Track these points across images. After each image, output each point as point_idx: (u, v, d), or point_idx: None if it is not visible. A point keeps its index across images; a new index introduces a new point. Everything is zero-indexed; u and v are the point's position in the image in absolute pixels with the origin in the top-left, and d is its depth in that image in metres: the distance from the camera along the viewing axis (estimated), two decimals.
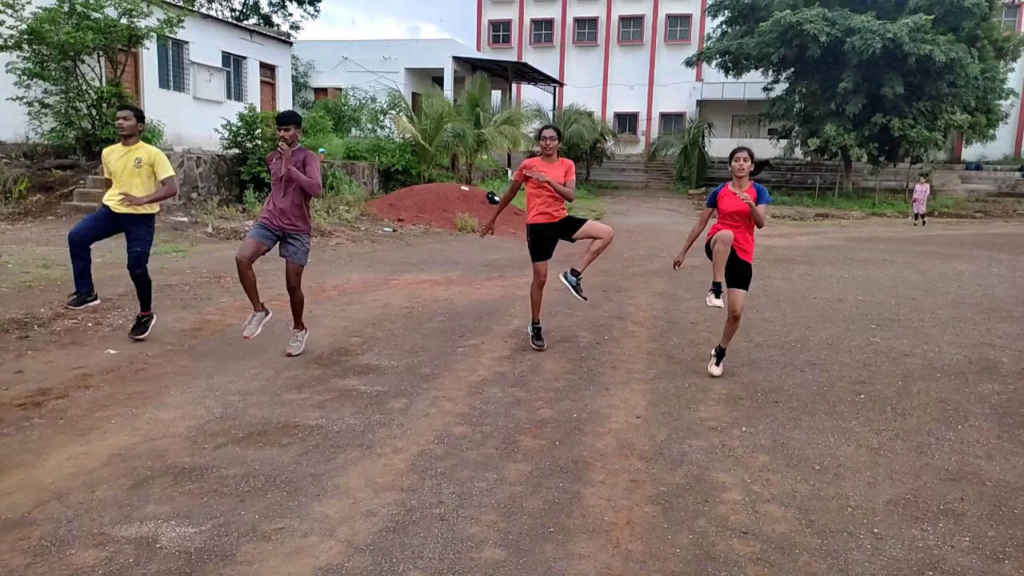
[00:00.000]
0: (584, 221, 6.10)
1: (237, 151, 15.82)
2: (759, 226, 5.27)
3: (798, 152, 30.31)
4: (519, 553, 2.91)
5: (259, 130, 15.60)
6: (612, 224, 19.66)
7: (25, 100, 14.36)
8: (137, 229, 5.81)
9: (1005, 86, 28.08)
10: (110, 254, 9.24)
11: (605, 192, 31.19)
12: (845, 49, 24.63)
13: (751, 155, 5.21)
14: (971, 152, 34.56)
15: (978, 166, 33.51)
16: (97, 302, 6.16)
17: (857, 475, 3.77)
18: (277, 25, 35.93)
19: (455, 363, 5.71)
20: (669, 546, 3.01)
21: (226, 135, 15.78)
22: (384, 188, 20.42)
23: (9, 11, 13.67)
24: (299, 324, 5.90)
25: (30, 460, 3.64)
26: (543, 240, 6.03)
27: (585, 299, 6.33)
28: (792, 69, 28.67)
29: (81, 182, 14.14)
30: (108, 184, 5.90)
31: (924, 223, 22.15)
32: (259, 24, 33.79)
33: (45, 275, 8.47)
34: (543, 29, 41.08)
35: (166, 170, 5.78)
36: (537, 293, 6.15)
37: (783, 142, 30.28)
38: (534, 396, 4.92)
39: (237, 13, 35.55)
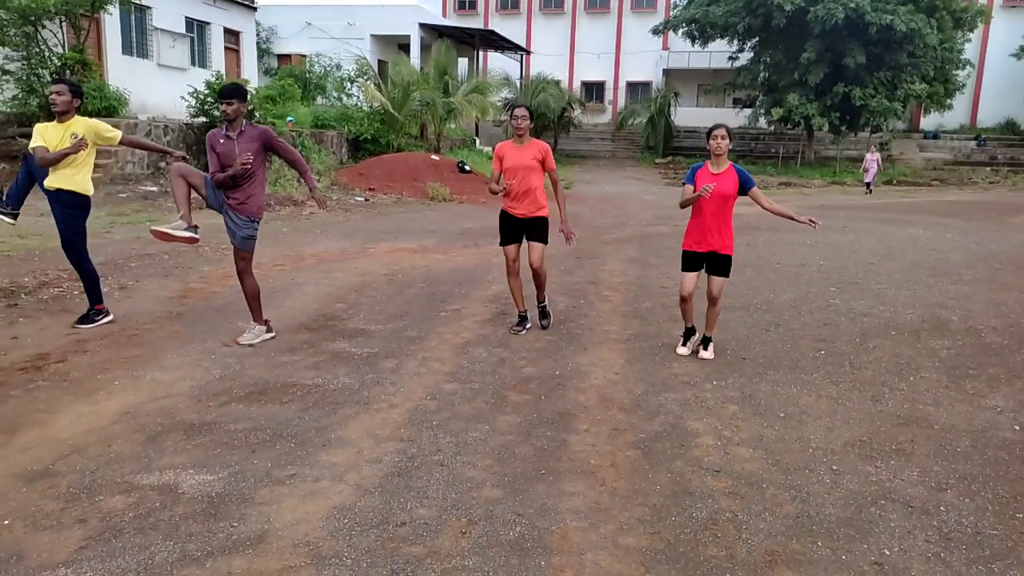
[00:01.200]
0: (537, 240, 5.67)
1: (204, 119, 15.65)
2: (763, 207, 5.09)
3: (762, 122, 30.78)
4: (515, 492, 3.19)
5: (253, 106, 15.46)
6: (580, 193, 20.05)
7: None
8: (56, 207, 5.33)
9: (962, 56, 28.77)
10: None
11: (573, 161, 31.37)
12: (809, 19, 25.02)
13: (729, 132, 5.06)
14: (929, 121, 35.39)
15: (935, 135, 34.37)
16: (14, 220, 5.69)
17: (817, 421, 4.12)
18: None
19: (439, 326, 5.94)
20: (650, 484, 3.31)
21: (193, 103, 15.61)
22: (353, 157, 20.37)
23: None
24: (257, 318, 5.34)
25: (43, 419, 3.81)
26: (513, 228, 5.73)
27: (544, 328, 5.90)
28: (757, 39, 29.03)
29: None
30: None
31: (871, 191, 22.57)
32: None
33: (21, 244, 8.46)
34: None
35: (112, 130, 5.39)
36: (513, 282, 5.79)
37: (748, 111, 30.70)
38: (517, 356, 5.19)
39: None
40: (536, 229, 5.69)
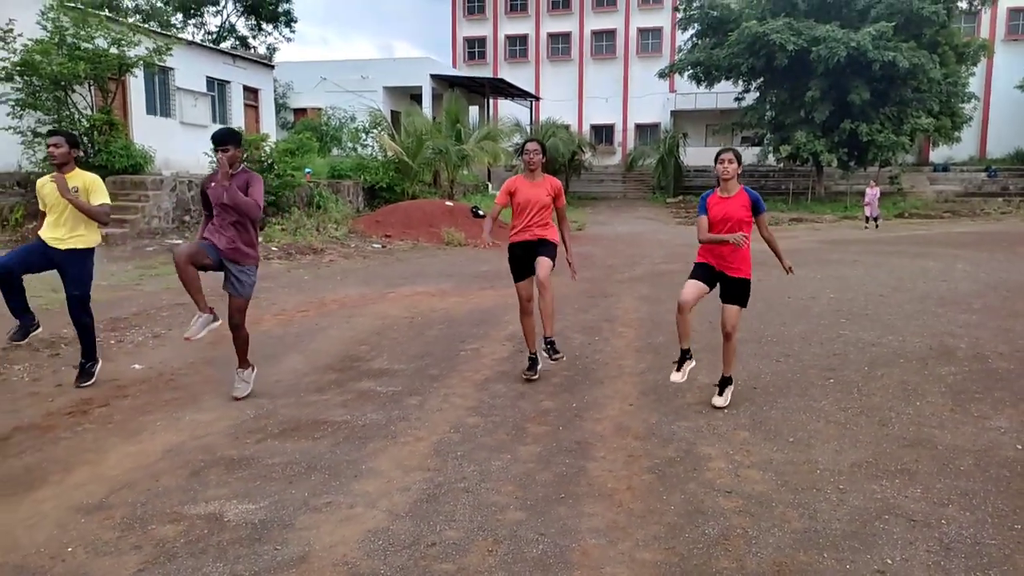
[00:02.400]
0: (545, 255, 5.51)
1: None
2: (762, 234, 4.97)
3: (771, 159, 31.19)
4: (537, 514, 3.39)
5: (247, 152, 16.04)
6: (593, 234, 20.38)
7: (18, 130, 14.68)
8: (73, 268, 5.24)
9: (967, 90, 29.18)
10: (113, 277, 9.62)
11: (584, 203, 31.84)
12: (811, 58, 25.54)
13: (737, 156, 4.84)
14: (939, 154, 35.66)
15: (945, 167, 34.59)
16: (40, 330, 5.52)
17: (825, 444, 4.29)
18: (254, 47, 36.40)
19: (459, 365, 6.18)
20: (664, 504, 3.50)
21: (215, 158, 16.17)
22: (369, 205, 20.89)
23: (0, 44, 14.03)
24: (243, 362, 5.24)
25: (93, 458, 4.06)
26: (523, 258, 5.61)
27: (555, 361, 5.70)
28: (762, 78, 29.61)
29: None
30: (42, 217, 5.34)
31: (877, 226, 22.45)
32: (237, 46, 34.24)
33: (57, 298, 8.78)
34: (517, 45, 41.85)
35: (101, 196, 5.24)
36: (526, 321, 5.69)
37: (756, 149, 31.14)
38: (536, 390, 5.40)
39: (214, 35, 35.97)
40: (544, 248, 5.54)
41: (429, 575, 2.87)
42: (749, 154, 31.93)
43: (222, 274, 5.11)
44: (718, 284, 4.98)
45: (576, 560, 2.98)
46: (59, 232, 5.17)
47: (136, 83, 17.65)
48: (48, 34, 14.35)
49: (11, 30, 14.08)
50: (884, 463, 4.01)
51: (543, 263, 5.48)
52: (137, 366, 6.08)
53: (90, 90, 15.34)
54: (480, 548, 3.08)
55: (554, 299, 5.63)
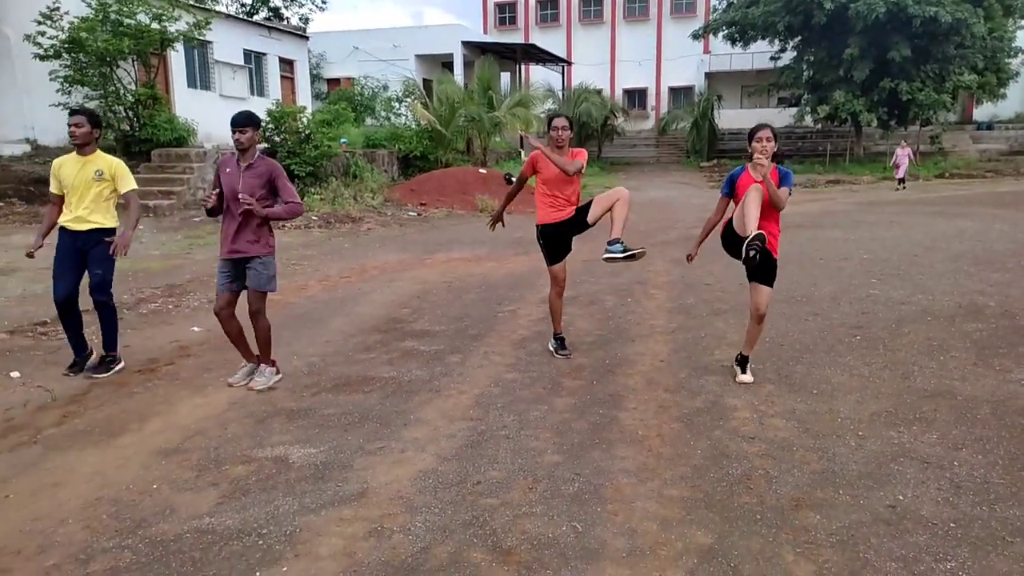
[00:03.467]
0: (590, 202, 5.37)
1: (266, 145, 16.58)
2: (777, 207, 4.56)
3: (808, 120, 30.66)
4: (573, 457, 3.68)
5: (286, 124, 16.40)
6: None
7: (67, 106, 15.17)
8: (97, 249, 5.03)
9: (1014, 44, 28.24)
10: (164, 247, 10.07)
11: (617, 168, 31.73)
12: (850, 15, 24.94)
13: (774, 134, 4.51)
14: (982, 112, 34.68)
15: (989, 126, 33.64)
16: (94, 356, 5.31)
17: (848, 395, 4.50)
18: (287, 18, 36.59)
19: (497, 325, 6.47)
20: (691, 449, 3.76)
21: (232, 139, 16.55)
22: (404, 174, 21.16)
23: (48, 22, 14.47)
24: (267, 359, 4.96)
25: (165, 409, 4.45)
26: (557, 239, 5.37)
27: (643, 251, 5.35)
28: (799, 37, 29.00)
29: None
30: (57, 202, 5.09)
31: (904, 187, 22.09)
32: (270, 18, 34.48)
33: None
34: (549, 8, 41.38)
35: (128, 182, 5.09)
36: (557, 302, 5.51)
37: (793, 110, 30.62)
38: (571, 348, 5.67)
39: (247, 7, 36.23)
40: (581, 210, 5.35)
41: (476, 508, 3.17)
42: (786, 115, 31.46)
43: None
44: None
45: (609, 496, 3.27)
46: (80, 212, 4.96)
47: (177, 57, 18.05)
48: (92, 11, 14.73)
49: (57, 8, 14.49)
50: (903, 412, 4.21)
51: (603, 198, 5.27)
52: (196, 328, 6.48)
53: (134, 65, 15.76)
54: (521, 486, 3.38)
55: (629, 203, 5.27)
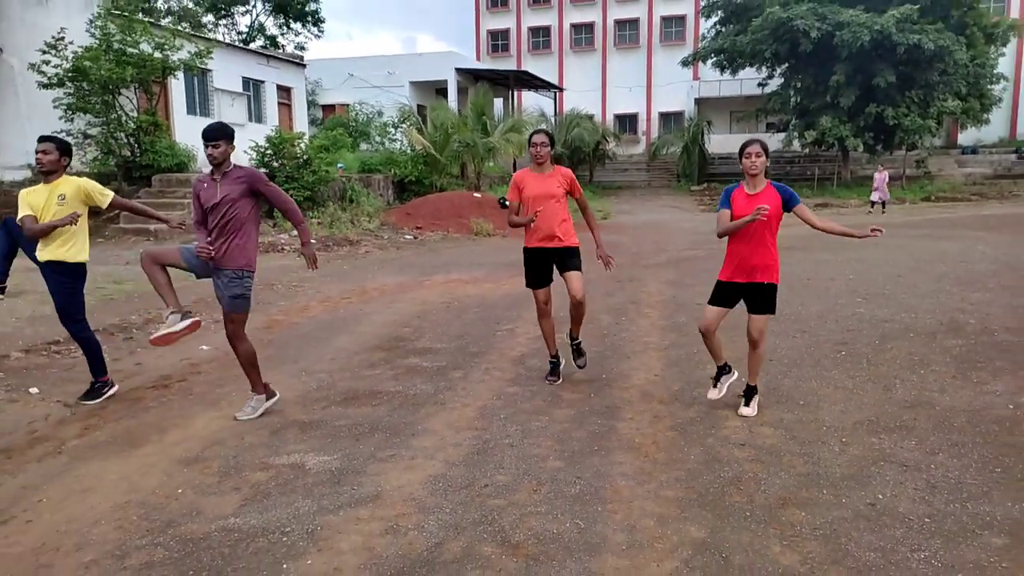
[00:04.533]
0: (574, 268, 5.24)
1: (265, 170, 16.88)
2: (813, 226, 4.55)
3: (796, 145, 31.24)
4: (574, 463, 3.90)
5: (285, 150, 16.71)
6: (618, 223, 20.79)
7: (70, 132, 15.46)
8: (51, 280, 4.94)
9: (996, 71, 28.99)
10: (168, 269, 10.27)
11: (609, 192, 32.17)
12: (835, 43, 25.59)
13: (765, 148, 4.45)
14: (967, 136, 35.40)
15: (974, 150, 34.35)
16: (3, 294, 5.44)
17: (832, 406, 4.74)
18: (283, 46, 37.14)
19: (497, 343, 6.69)
20: (685, 455, 3.99)
21: (254, 156, 16.86)
22: (399, 198, 21.47)
23: (52, 52, 14.79)
24: (257, 387, 4.75)
25: (181, 422, 4.65)
26: (540, 265, 5.28)
27: (581, 367, 5.53)
28: (786, 64, 29.67)
29: None
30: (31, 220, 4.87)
31: (884, 211, 22.34)
32: (267, 46, 35.01)
33: (120, 289, 9.50)
34: (541, 36, 42.17)
35: (104, 195, 4.99)
36: (545, 323, 5.42)
37: (781, 135, 31.21)
38: (569, 364, 5.88)
39: (244, 35, 36.80)
40: (569, 258, 5.21)
41: (484, 508, 3.39)
42: (774, 140, 31.99)
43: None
44: (744, 299, 4.64)
45: (609, 496, 3.49)
46: (44, 243, 4.86)
47: (177, 85, 18.40)
48: (96, 41, 15.08)
49: (62, 38, 14.83)
50: (885, 421, 4.45)
51: (575, 280, 5.18)
52: (204, 347, 6.68)
53: (135, 93, 16.08)
54: (526, 488, 3.60)
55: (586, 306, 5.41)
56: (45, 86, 14.92)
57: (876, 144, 28.59)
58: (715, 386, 4.88)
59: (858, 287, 9.17)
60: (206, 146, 4.47)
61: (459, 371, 5.77)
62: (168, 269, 4.72)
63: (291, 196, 16.09)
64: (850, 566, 2.85)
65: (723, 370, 4.87)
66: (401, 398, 5.09)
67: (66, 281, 4.95)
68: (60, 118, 15.19)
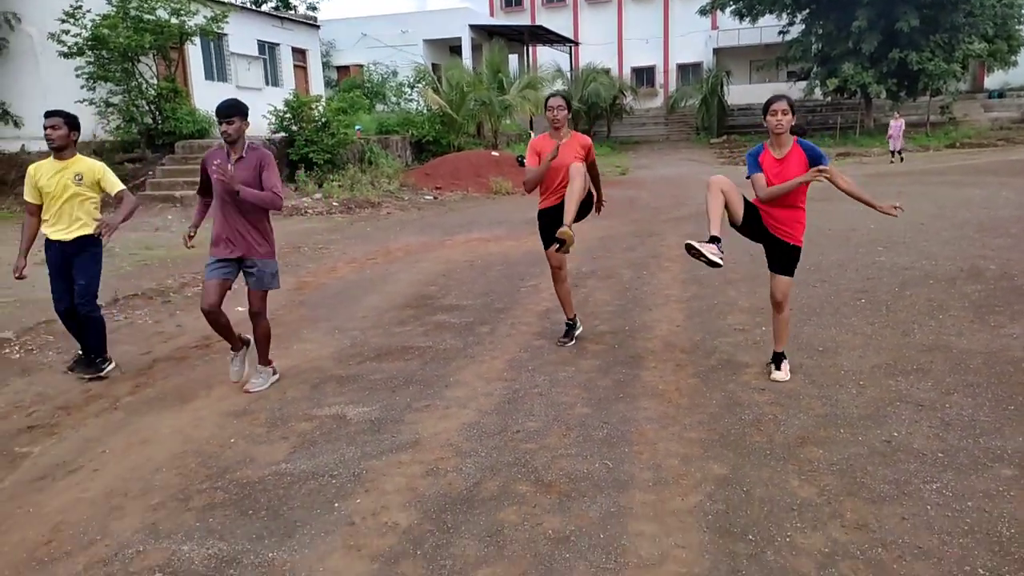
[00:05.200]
0: (583, 216, 5.19)
1: (284, 134, 17.00)
2: (837, 186, 4.33)
3: (818, 93, 30.70)
4: (600, 409, 4.10)
5: (303, 113, 16.79)
6: (637, 178, 20.75)
7: (91, 101, 15.64)
8: (80, 257, 4.87)
9: None
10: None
11: (627, 147, 31.94)
12: None
13: (791, 105, 4.21)
14: (994, 80, 34.50)
15: (1001, 94, 33.53)
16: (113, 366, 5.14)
17: (851, 352, 4.88)
18: (295, 7, 36.85)
19: (521, 299, 6.87)
20: (707, 400, 4.17)
21: (273, 120, 16.96)
22: (417, 159, 21.52)
23: (71, 20, 14.89)
24: (265, 359, 4.76)
25: (225, 379, 4.88)
26: (549, 225, 5.15)
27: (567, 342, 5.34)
28: (807, 10, 29.01)
29: (150, 173, 15.49)
30: (34, 211, 4.90)
31: (902, 159, 22.00)
32: (279, 7, 34.77)
33: (152, 255, 9.78)
34: None
35: (116, 183, 4.90)
36: (560, 287, 5.38)
37: (803, 84, 30.66)
38: (592, 317, 6.06)
39: None
40: (585, 206, 5.17)
41: (517, 452, 3.59)
42: (795, 90, 31.47)
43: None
44: (765, 248, 4.51)
45: (634, 439, 3.68)
46: (62, 223, 4.81)
47: (194, 51, 18.43)
48: (114, 8, 15.14)
49: (80, 6, 14.89)
50: (902, 364, 4.59)
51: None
52: (240, 308, 6.89)
53: (154, 60, 16.17)
54: (556, 433, 3.80)
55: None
56: (65, 55, 15.05)
57: (899, 91, 28.03)
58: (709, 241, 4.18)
59: (879, 236, 9.20)
60: (220, 122, 4.38)
61: (486, 326, 5.96)
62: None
63: (311, 159, 16.22)
64: (864, 497, 3.03)
65: (714, 240, 4.18)
66: (432, 353, 5.30)
67: (98, 253, 4.96)
68: (82, 87, 15.35)
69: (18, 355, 5.65)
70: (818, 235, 9.49)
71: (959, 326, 5.33)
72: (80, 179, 4.77)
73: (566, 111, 5.05)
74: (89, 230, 4.84)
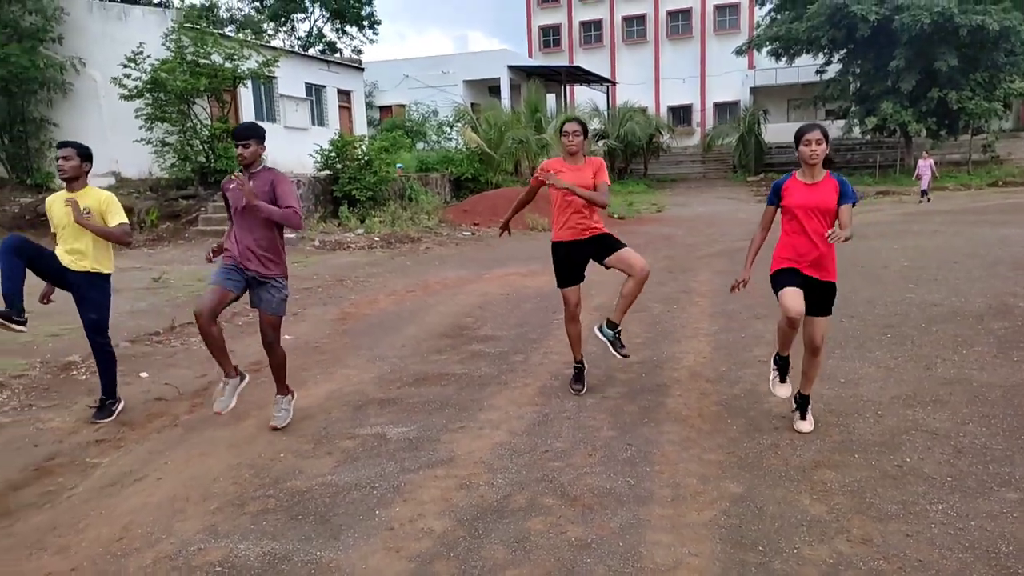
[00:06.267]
0: (622, 246, 4.92)
1: (328, 172, 17.67)
2: (840, 228, 3.89)
3: (856, 132, 30.70)
4: (625, 432, 4.32)
5: (347, 152, 17.47)
6: (673, 216, 20.95)
7: (149, 141, 16.53)
8: (90, 292, 4.81)
9: None
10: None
11: (663, 185, 32.21)
12: (894, 27, 25.11)
13: (825, 135, 3.99)
14: None
15: None
16: (25, 326, 4.63)
17: (872, 383, 5.03)
18: (340, 51, 38.27)
19: (554, 330, 7.13)
20: (728, 426, 4.37)
21: (318, 159, 17.66)
22: (456, 196, 22.08)
23: (132, 64, 15.84)
24: (283, 388, 4.74)
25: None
26: (570, 261, 5.01)
27: (626, 356, 5.10)
28: (844, 50, 29.20)
29: (202, 209, 16.22)
30: (53, 238, 4.89)
31: (929, 200, 21.53)
32: (325, 51, 36.15)
33: (204, 286, 10.27)
34: (592, 30, 42.30)
35: (118, 216, 4.79)
36: (572, 327, 5.14)
37: (841, 122, 30.69)
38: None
39: (303, 41, 38.01)
40: (607, 242, 4.93)
41: (545, 469, 3.84)
42: (834, 128, 31.49)
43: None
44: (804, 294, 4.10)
45: (656, 459, 3.90)
46: (72, 253, 4.76)
47: (246, 93, 19.36)
48: (171, 54, 16.07)
49: (140, 52, 15.86)
50: (921, 396, 4.73)
51: (631, 254, 4.85)
52: (287, 336, 7.26)
53: (208, 102, 17.05)
54: (582, 453, 4.03)
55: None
56: (126, 97, 15.99)
57: (940, 129, 27.93)
58: (782, 378, 4.39)
59: (911, 273, 9.28)
60: (235, 146, 4.41)
61: (520, 355, 6.23)
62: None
63: (354, 196, 16.77)
64: (872, 515, 3.20)
65: (788, 362, 4.35)
66: (467, 379, 5.58)
67: (107, 289, 4.90)
68: (140, 127, 16.25)
69: (84, 376, 6.07)
70: (851, 271, 9.60)
71: (981, 360, 5.44)
72: (88, 213, 4.68)
73: (582, 136, 4.89)
74: (100, 268, 4.80)
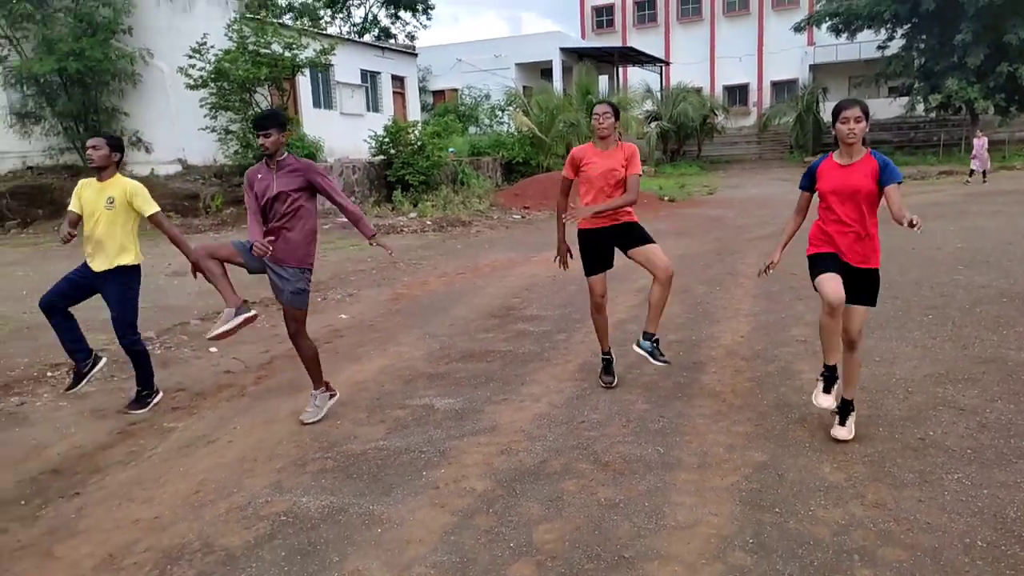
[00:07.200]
0: (649, 241, 4.78)
1: (383, 157, 18.15)
2: (891, 211, 3.69)
3: (920, 109, 29.74)
4: (659, 406, 4.55)
5: (401, 138, 17.90)
6: (725, 197, 20.82)
7: (213, 129, 17.24)
8: (110, 287, 4.76)
9: None
10: None
11: (717, 167, 31.83)
12: (960, 0, 24.21)
13: (865, 112, 3.72)
14: None
15: None
16: (104, 362, 5.04)
17: (907, 362, 5.13)
18: (395, 36, 38.79)
19: None
20: (759, 400, 4.55)
21: (373, 144, 18.16)
22: (507, 180, 22.36)
23: (197, 55, 16.52)
24: (318, 382, 4.63)
25: (332, 373, 5.55)
26: (597, 247, 4.87)
27: (667, 363, 4.94)
28: (907, 25, 28.27)
29: None
30: (73, 219, 4.77)
31: (985, 180, 20.68)
32: (380, 37, 36.70)
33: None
34: (646, 9, 41.75)
35: (149, 205, 4.76)
36: (598, 317, 5.03)
37: (904, 100, 29.77)
38: (662, 327, 6.43)
39: (358, 27, 38.67)
40: (634, 233, 4.79)
41: (580, 438, 4.10)
42: (896, 106, 30.57)
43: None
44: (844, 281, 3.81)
45: (687, 431, 4.12)
46: (95, 246, 4.75)
47: (304, 81, 19.96)
48: (234, 44, 16.70)
49: (205, 43, 16.53)
50: (954, 374, 4.82)
51: (655, 252, 4.71)
52: (343, 316, 7.72)
53: (268, 90, 17.67)
54: (616, 424, 4.28)
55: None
56: (191, 87, 16.69)
57: (1009, 106, 26.88)
58: (827, 388, 4.06)
59: (963, 255, 9.17)
60: (256, 135, 4.30)
61: (562, 334, 6.49)
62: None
63: (407, 181, 17.24)
64: (888, 483, 3.37)
65: (835, 371, 4.05)
66: (512, 356, 5.87)
67: (133, 284, 4.86)
68: (205, 116, 16.96)
69: (159, 351, 6.58)
70: (900, 253, 9.54)
71: (1021, 341, 5.46)
72: (111, 203, 4.69)
73: (612, 119, 4.70)
74: (123, 260, 4.77)
